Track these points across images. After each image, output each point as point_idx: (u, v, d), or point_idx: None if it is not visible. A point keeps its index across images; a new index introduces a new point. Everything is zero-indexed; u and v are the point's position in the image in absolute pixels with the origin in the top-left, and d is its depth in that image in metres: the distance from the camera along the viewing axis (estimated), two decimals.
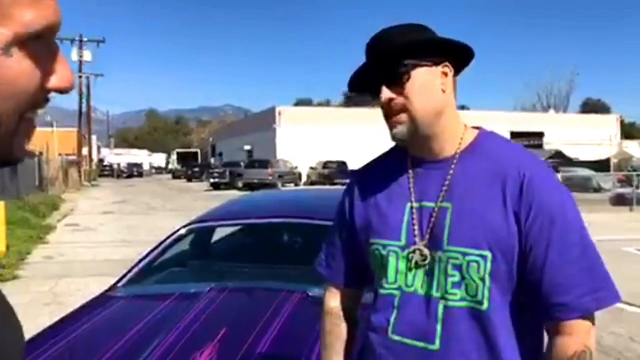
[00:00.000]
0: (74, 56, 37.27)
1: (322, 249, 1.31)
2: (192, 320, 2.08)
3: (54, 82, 0.49)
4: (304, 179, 30.70)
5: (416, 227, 1.09)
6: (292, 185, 26.96)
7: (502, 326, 1.04)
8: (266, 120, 36.56)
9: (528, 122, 38.91)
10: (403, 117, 1.06)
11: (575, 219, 1.04)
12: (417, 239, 1.08)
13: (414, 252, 1.08)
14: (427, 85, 1.06)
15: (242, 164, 29.53)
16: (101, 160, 56.79)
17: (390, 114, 1.07)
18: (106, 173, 49.14)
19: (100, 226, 12.32)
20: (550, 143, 33.78)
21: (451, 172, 1.09)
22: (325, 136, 34.07)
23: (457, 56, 1.10)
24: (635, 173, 18.19)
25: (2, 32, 0.44)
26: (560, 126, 38.36)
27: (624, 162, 28.41)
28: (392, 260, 1.10)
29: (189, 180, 39.08)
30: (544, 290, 1.01)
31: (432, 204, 1.09)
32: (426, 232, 1.08)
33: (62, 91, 0.51)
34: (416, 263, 1.08)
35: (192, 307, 2.21)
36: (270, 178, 26.00)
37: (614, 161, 27.31)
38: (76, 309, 2.44)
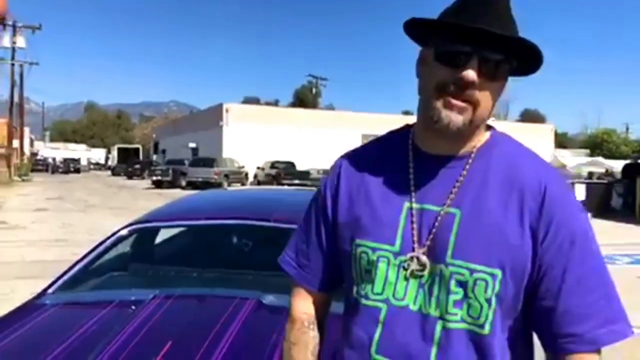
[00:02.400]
0: (6, 42, 35.05)
1: (290, 243, 1.14)
2: (133, 332, 1.86)
3: None
4: (251, 178, 30.29)
5: (415, 232, 0.94)
6: (239, 184, 26.51)
7: (500, 353, 0.92)
8: (213, 118, 35.79)
9: None
10: (467, 108, 0.89)
11: (594, 241, 0.93)
12: (415, 245, 0.94)
13: (410, 259, 0.93)
14: (500, 91, 0.93)
15: (186, 162, 28.74)
16: (34, 154, 53.91)
17: (456, 94, 0.88)
18: (40, 168, 46.72)
19: (31, 224, 11.53)
20: None
21: (464, 172, 0.95)
22: (273, 135, 33.79)
23: (520, 69, 0.95)
24: (569, 181, 19.16)
25: None
26: None
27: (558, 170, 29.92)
28: (381, 266, 0.95)
29: (129, 177, 37.80)
30: (555, 318, 0.90)
31: (436, 207, 0.94)
32: (426, 238, 0.93)
33: None
34: (412, 273, 0.93)
35: (134, 316, 1.99)
36: (216, 177, 25.45)
37: None
38: None
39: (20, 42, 35.48)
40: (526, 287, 0.91)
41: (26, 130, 46.02)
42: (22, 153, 39.19)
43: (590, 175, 20.55)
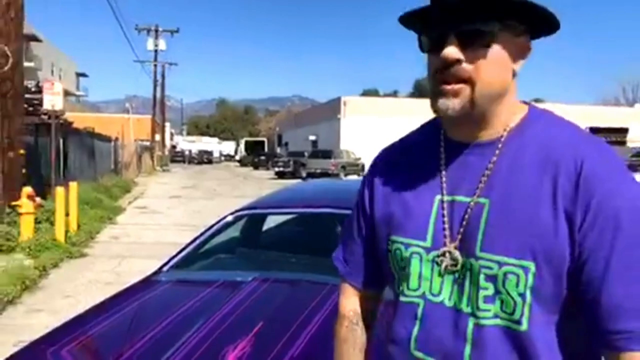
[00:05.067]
0: (150, 45, 38.93)
1: (340, 240, 1.12)
2: (230, 311, 2.00)
3: None
4: (367, 170, 30.42)
5: (446, 226, 0.89)
6: (355, 176, 26.79)
7: (546, 350, 0.83)
8: (331, 111, 36.53)
9: (609, 117, 36.38)
10: (463, 88, 0.84)
11: None
12: (447, 240, 0.89)
13: (443, 255, 0.89)
14: (504, 59, 0.85)
15: (306, 153, 29.72)
16: (174, 147, 59.36)
17: (447, 79, 0.84)
18: (178, 159, 51.25)
19: (167, 209, 12.77)
20: (635, 140, 31.40)
21: (494, 158, 0.87)
22: (390, 127, 33.47)
23: (536, 28, 0.88)
24: None
25: None
26: None
27: None
28: (414, 262, 0.92)
29: (255, 168, 39.94)
30: (602, 312, 0.78)
31: (466, 199, 0.88)
32: (458, 232, 0.88)
33: None
34: (445, 268, 0.89)
35: (232, 296, 2.13)
36: (333, 168, 25.99)
37: None
38: (118, 291, 2.43)
39: (162, 44, 39.23)
40: (569, 279, 0.81)
41: (167, 125, 50.87)
42: (164, 146, 43.39)
43: None
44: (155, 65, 39.47)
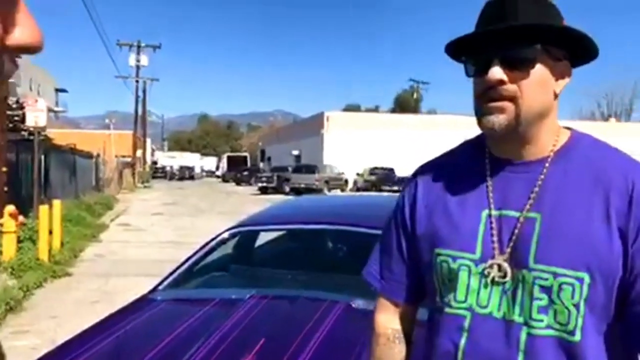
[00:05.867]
0: (132, 61, 38.73)
1: (373, 257, 1.14)
2: (230, 329, 2.00)
3: (16, 37, 0.40)
4: (350, 184, 30.57)
5: (495, 239, 0.93)
6: (338, 190, 26.88)
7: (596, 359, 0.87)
8: (314, 126, 36.73)
9: (587, 132, 37.17)
10: (508, 105, 0.89)
11: None
12: (496, 252, 0.92)
13: (490, 267, 0.92)
14: (545, 80, 0.91)
15: (290, 168, 29.74)
16: (155, 162, 58.68)
17: (492, 97, 0.90)
18: (159, 175, 50.63)
19: (150, 226, 12.62)
20: None
21: (542, 176, 0.92)
22: (373, 142, 33.85)
23: (575, 54, 0.94)
24: None
25: None
26: (623, 136, 36.45)
27: None
28: (462, 274, 0.94)
29: (238, 183, 39.69)
30: None
31: (516, 213, 0.92)
32: (507, 245, 0.92)
33: (28, 49, 0.41)
34: (493, 280, 0.92)
35: (231, 314, 2.13)
36: (317, 183, 26.08)
37: None
38: (116, 310, 2.41)
39: (144, 60, 39.07)
40: (618, 291, 0.86)
41: (148, 140, 50.41)
42: (145, 162, 42.94)
43: None
44: (137, 81, 39.24)
